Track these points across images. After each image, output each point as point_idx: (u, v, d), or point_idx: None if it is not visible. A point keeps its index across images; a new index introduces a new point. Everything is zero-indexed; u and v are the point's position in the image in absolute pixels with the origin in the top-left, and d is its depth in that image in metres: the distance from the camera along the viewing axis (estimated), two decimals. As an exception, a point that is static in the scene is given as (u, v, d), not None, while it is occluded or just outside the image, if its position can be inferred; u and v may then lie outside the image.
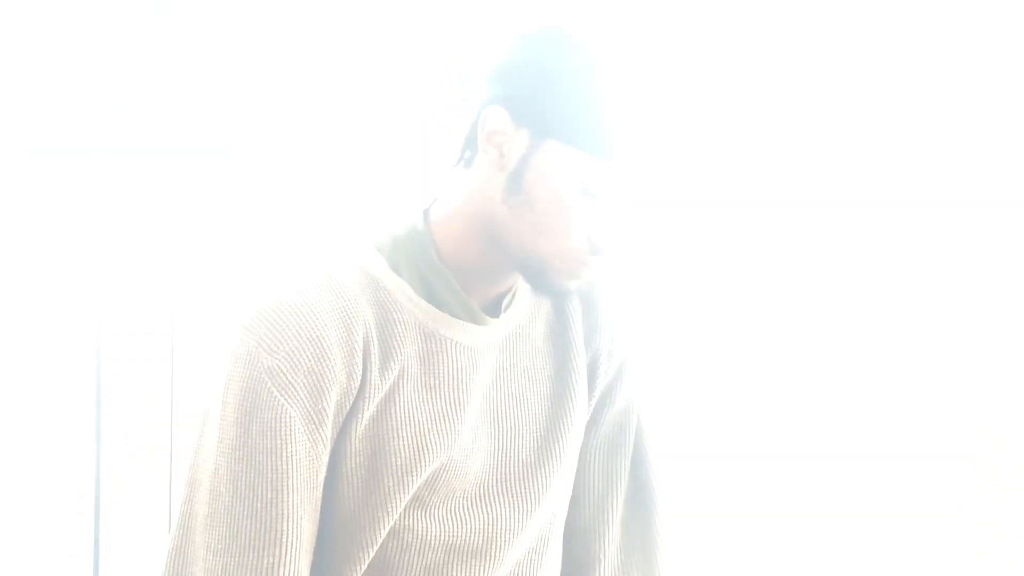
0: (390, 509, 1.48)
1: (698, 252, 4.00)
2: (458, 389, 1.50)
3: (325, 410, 1.43)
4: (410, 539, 1.50)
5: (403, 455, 1.47)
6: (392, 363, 1.46)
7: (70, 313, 3.71)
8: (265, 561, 1.43)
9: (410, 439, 1.47)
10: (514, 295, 1.54)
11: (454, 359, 1.50)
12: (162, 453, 3.87)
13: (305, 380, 1.41)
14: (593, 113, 1.41)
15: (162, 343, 3.83)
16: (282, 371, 1.41)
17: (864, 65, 3.96)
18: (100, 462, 3.76)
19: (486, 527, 1.54)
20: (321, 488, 1.45)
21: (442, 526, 1.52)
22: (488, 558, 1.55)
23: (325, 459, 1.44)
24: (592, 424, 1.64)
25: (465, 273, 1.49)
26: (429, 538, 1.51)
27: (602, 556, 1.66)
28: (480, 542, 1.54)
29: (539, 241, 1.43)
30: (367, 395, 1.45)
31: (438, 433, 1.48)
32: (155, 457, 3.87)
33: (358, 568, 1.50)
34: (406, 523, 1.50)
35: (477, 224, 1.46)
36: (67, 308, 3.71)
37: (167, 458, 3.84)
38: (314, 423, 1.42)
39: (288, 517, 1.43)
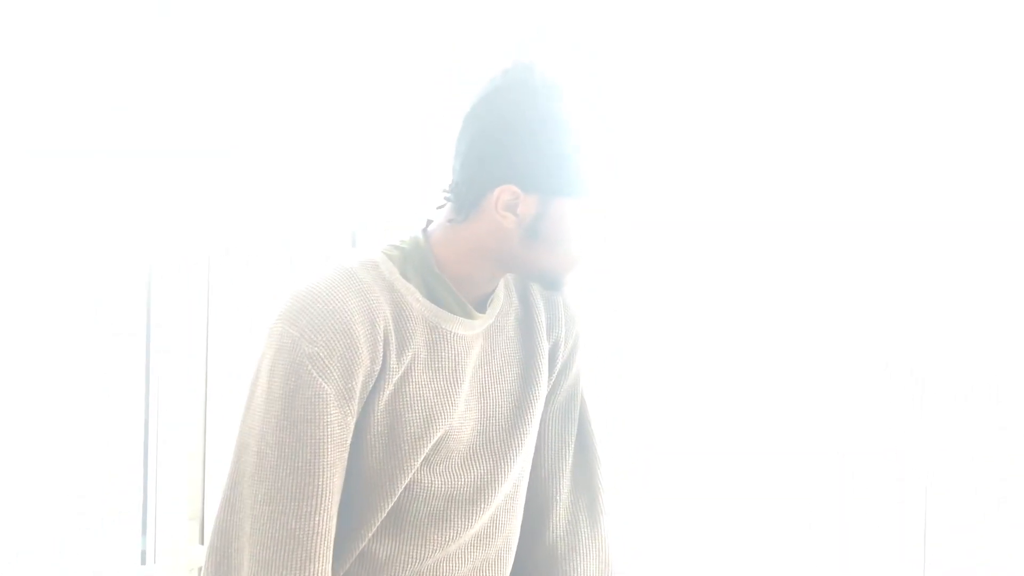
0: (406, 469, 1.84)
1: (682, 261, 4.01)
2: (455, 371, 1.86)
3: (354, 388, 1.77)
4: (419, 491, 1.87)
5: (416, 425, 1.82)
6: (406, 350, 1.81)
7: (68, 313, 3.71)
8: (304, 508, 1.73)
9: (421, 412, 1.83)
10: (494, 295, 1.93)
11: (452, 346, 1.86)
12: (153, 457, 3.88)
13: (338, 364, 1.74)
14: (584, 170, 1.77)
15: (160, 343, 3.84)
16: (320, 357, 1.74)
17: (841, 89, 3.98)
18: (89, 471, 3.76)
19: (476, 480, 1.92)
20: (348, 450, 1.79)
21: (444, 480, 1.88)
22: (478, 504, 1.92)
23: (352, 427, 1.79)
24: (551, 395, 2.04)
25: (459, 280, 1.87)
26: (434, 490, 1.88)
27: (557, 497, 2.06)
28: (472, 492, 1.91)
29: (553, 263, 1.84)
30: (387, 376, 1.80)
31: (442, 407, 1.84)
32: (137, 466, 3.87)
33: (379, 515, 1.85)
34: (417, 479, 1.86)
35: (483, 253, 1.84)
36: (66, 308, 3.71)
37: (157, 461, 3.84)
38: (345, 398, 1.76)
39: (323, 473, 1.75)
